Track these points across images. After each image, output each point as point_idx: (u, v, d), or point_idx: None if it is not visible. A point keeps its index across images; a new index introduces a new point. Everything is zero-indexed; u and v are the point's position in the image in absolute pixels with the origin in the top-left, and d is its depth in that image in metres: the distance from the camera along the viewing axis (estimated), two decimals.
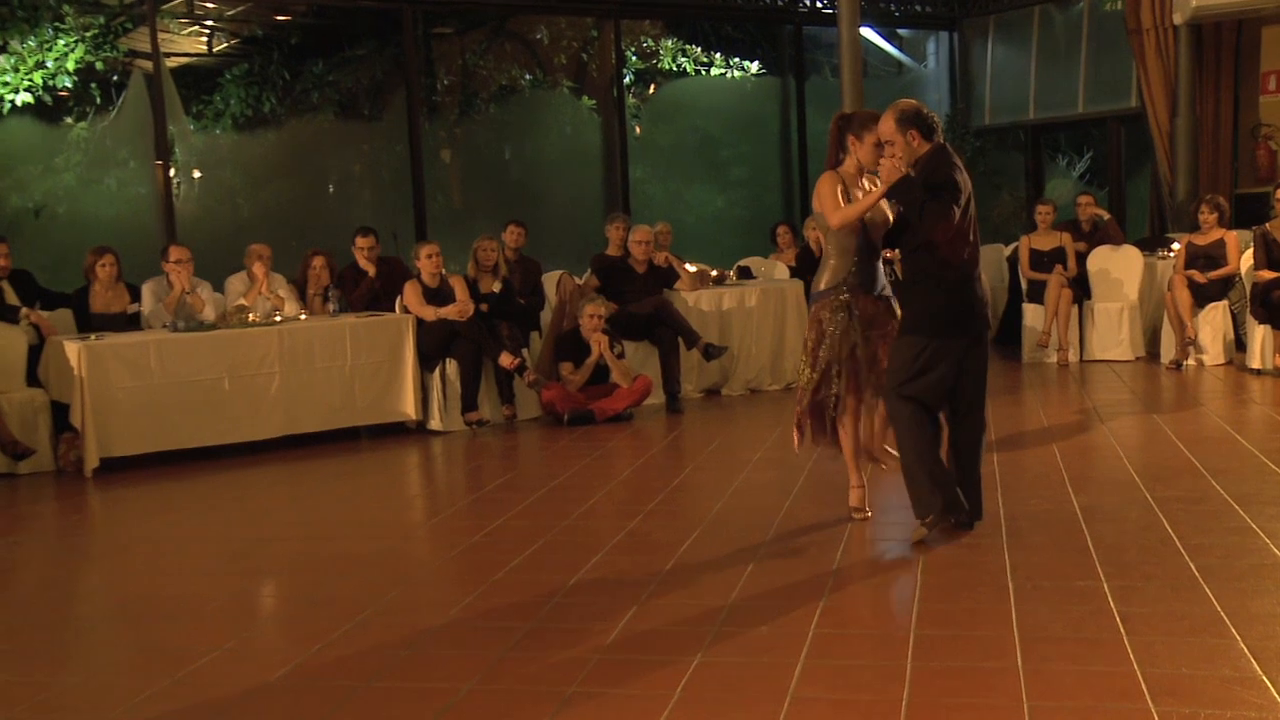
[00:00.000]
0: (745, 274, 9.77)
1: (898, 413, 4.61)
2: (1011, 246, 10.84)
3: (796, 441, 5.00)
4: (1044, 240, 9.66)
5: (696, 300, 8.76)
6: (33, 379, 7.14)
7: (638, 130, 13.03)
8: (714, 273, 9.32)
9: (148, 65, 9.72)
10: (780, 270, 9.96)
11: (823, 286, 4.84)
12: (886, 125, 4.59)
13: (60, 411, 6.94)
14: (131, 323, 7.63)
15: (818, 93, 13.60)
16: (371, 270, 8.36)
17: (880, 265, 4.93)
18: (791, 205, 13.58)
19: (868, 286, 4.85)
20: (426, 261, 7.94)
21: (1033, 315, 9.55)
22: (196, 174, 10.58)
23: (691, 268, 9.06)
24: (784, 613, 3.88)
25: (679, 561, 4.51)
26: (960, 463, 4.75)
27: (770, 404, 8.36)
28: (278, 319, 7.59)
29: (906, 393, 4.57)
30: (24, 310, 7.40)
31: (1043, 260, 9.57)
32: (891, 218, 4.80)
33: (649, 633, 3.75)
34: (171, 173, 9.90)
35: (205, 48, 11.08)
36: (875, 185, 4.74)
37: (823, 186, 4.75)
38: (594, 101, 12.60)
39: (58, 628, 4.19)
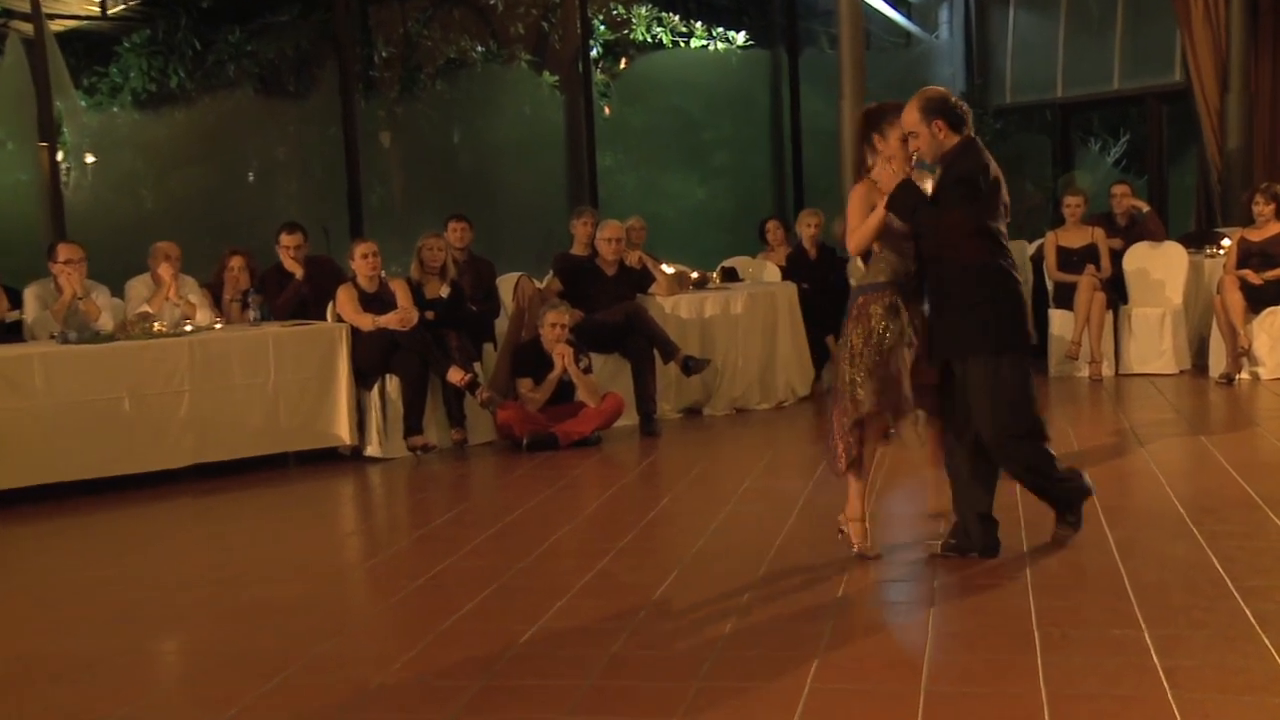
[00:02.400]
0: (730, 276, 9.80)
1: (1016, 455, 4.84)
2: (1036, 244, 10.91)
3: (844, 462, 4.92)
4: (1073, 236, 9.74)
5: (674, 306, 8.79)
6: None
7: (607, 111, 13.06)
8: (694, 274, 9.34)
9: (27, 29, 9.66)
10: (770, 272, 10.00)
11: (874, 279, 4.90)
12: (910, 115, 4.80)
13: None
14: (11, 333, 7.58)
15: (813, 68, 13.68)
16: (299, 272, 8.33)
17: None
18: (783, 197, 13.63)
19: (919, 298, 4.94)
20: (363, 262, 7.93)
21: (1061, 322, 9.63)
22: (90, 159, 10.51)
23: (669, 269, 9.07)
24: (775, 667, 3.89)
25: (654, 608, 4.51)
26: (987, 487, 4.93)
27: (759, 426, 8.39)
28: (188, 329, 7.55)
29: (1028, 428, 4.81)
30: None
31: (1072, 259, 9.66)
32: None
33: (620, 690, 3.75)
34: (59, 156, 9.83)
35: (98, 10, 11.01)
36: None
37: (851, 200, 4.93)
38: (556, 78, 12.62)
39: None
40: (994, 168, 4.80)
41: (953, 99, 4.81)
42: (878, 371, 4.79)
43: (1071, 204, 9.82)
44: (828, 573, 4.82)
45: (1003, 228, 4.85)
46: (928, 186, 4.84)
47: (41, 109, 9.51)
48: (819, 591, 4.59)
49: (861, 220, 4.87)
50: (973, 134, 4.83)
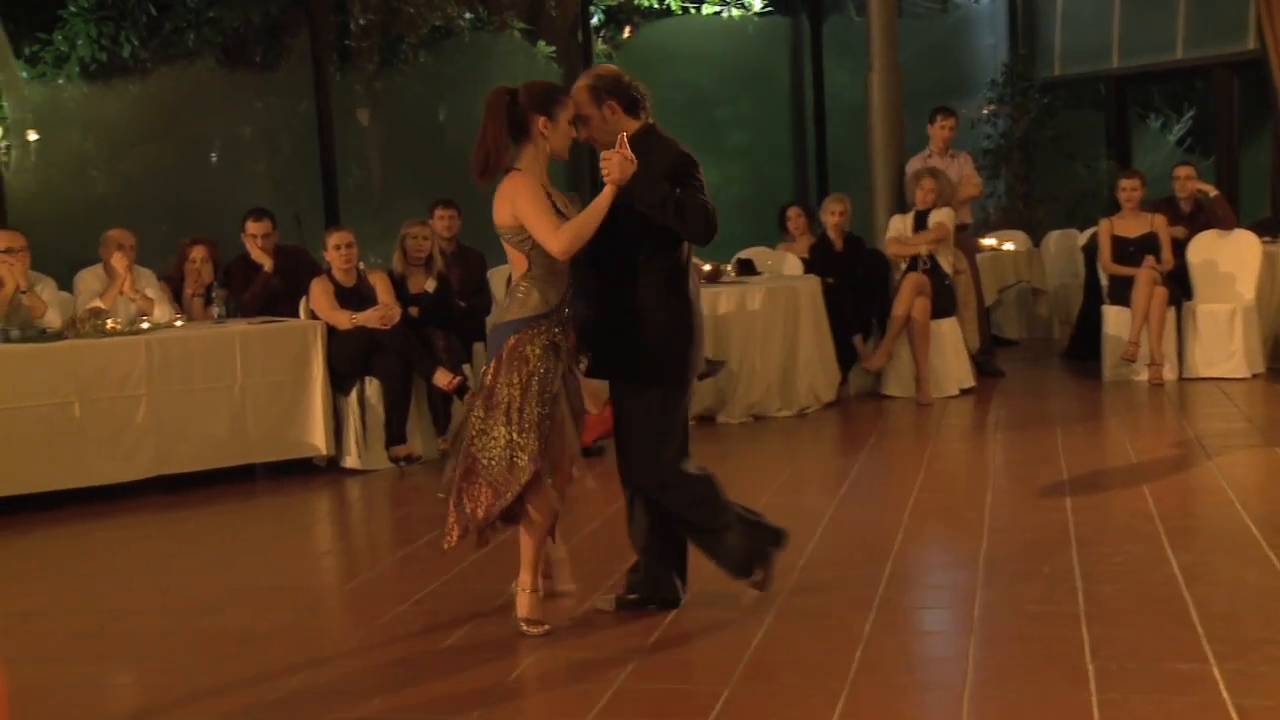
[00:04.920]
0: (746, 269, 9.80)
1: (677, 484, 4.65)
2: (1088, 233, 10.91)
3: (455, 537, 4.61)
4: (1131, 224, 9.73)
5: None
6: None
7: None
8: (706, 267, 9.32)
9: None
10: (791, 264, 10.00)
11: (521, 314, 4.51)
12: (580, 95, 4.63)
13: None
14: None
15: (839, 37, 13.67)
16: (267, 264, 8.34)
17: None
18: (805, 181, 13.63)
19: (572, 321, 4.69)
20: (336, 253, 7.93)
21: (1116, 321, 9.62)
22: (32, 136, 10.52)
23: None
24: (796, 701, 3.89)
25: (666, 634, 4.52)
26: (668, 535, 4.78)
27: (780, 434, 8.39)
28: (145, 326, 7.56)
29: (674, 457, 4.63)
30: None
31: (1129, 250, 9.64)
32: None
33: None
34: None
35: None
36: None
37: (524, 197, 4.46)
38: (552, 48, 12.63)
39: None
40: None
41: (628, 78, 4.66)
42: (542, 426, 4.50)
43: (1128, 188, 9.79)
44: (857, 596, 4.81)
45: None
46: None
47: None
48: (848, 619, 4.58)
49: (549, 217, 4.44)
50: (651, 120, 4.67)
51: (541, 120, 4.53)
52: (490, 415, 4.52)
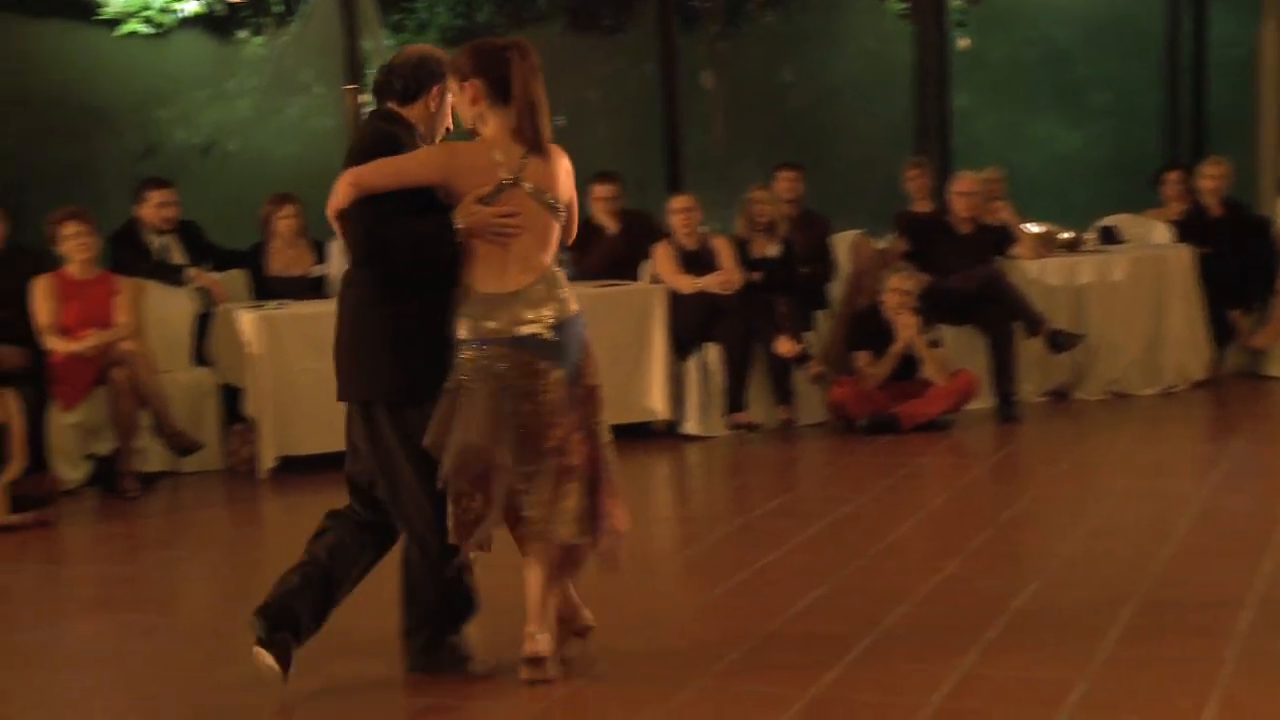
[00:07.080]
0: (1109, 237, 9.49)
1: None
2: None
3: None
4: None
5: (1041, 272, 8.59)
6: (200, 356, 7.67)
7: (963, 43, 12.79)
8: (1065, 235, 9.08)
9: None
10: (1159, 232, 9.57)
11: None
12: None
13: (232, 397, 7.42)
14: (315, 288, 8.03)
15: None
16: (612, 227, 8.54)
17: None
18: (1177, 143, 12.98)
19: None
20: (681, 217, 8.05)
21: None
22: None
23: (1034, 228, 8.86)
24: (1159, 697, 3.74)
25: (1012, 621, 4.42)
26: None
27: (1143, 413, 8.07)
28: None
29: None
30: (191, 271, 7.90)
31: None
32: None
33: (972, 713, 3.70)
34: (364, 100, 10.40)
35: None
36: None
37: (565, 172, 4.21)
38: (904, 5, 12.45)
39: (223, 666, 4.49)
40: None
41: None
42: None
43: None
44: (1229, 591, 4.58)
45: None
46: None
47: (349, 49, 10.06)
48: (1219, 615, 4.37)
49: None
50: None
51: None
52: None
